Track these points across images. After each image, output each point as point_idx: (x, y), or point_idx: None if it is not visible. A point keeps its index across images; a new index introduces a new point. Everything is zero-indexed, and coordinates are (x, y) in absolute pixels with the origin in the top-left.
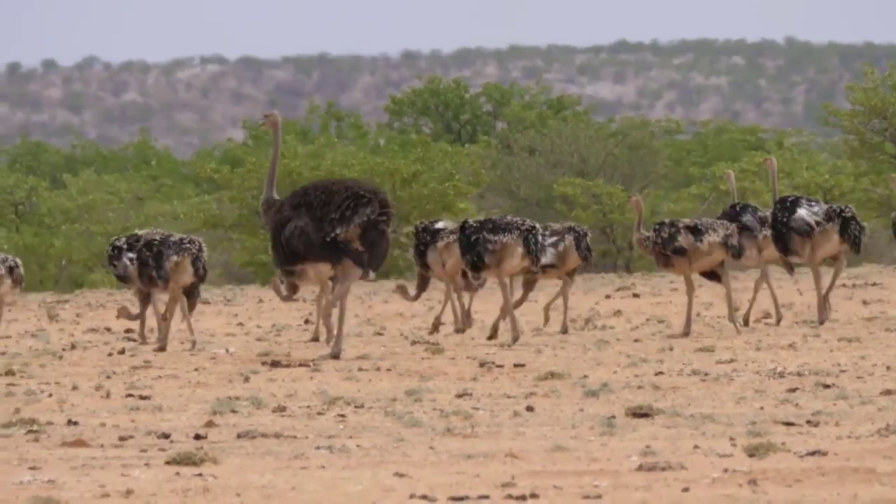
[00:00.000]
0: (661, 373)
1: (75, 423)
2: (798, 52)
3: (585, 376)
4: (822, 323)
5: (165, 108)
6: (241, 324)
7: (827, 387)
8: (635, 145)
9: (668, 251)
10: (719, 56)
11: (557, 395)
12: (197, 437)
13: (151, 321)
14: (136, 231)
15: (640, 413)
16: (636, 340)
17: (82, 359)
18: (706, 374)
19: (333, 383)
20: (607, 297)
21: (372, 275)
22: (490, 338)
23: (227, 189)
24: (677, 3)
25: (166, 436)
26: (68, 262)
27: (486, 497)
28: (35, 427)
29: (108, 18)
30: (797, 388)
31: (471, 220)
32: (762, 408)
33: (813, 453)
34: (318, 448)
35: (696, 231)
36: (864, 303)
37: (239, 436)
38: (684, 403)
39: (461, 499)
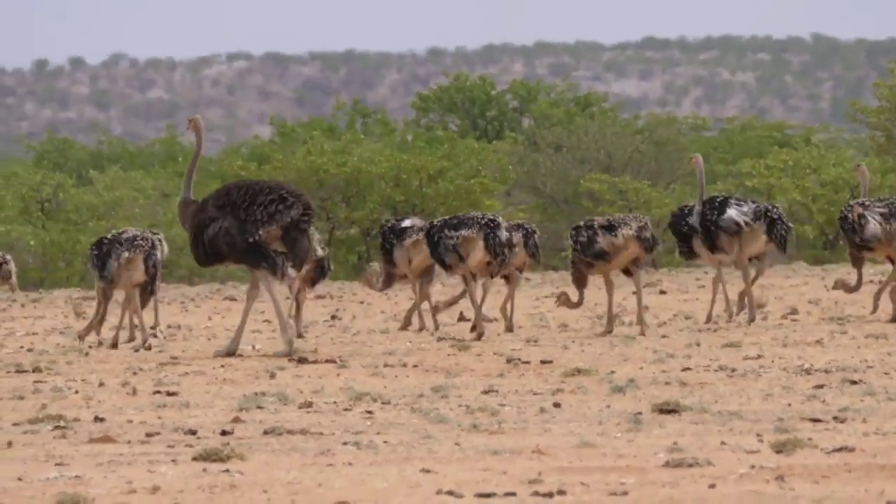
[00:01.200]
0: (687, 369)
1: (102, 420)
2: (824, 49)
3: (612, 372)
4: (751, 321)
5: (192, 105)
6: (267, 320)
7: (854, 383)
8: (661, 142)
9: (588, 256)
10: (745, 52)
11: (584, 392)
12: (223, 433)
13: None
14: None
15: (667, 409)
16: (663, 336)
17: (109, 355)
18: (733, 371)
19: (360, 379)
20: (634, 293)
21: (292, 274)
22: (474, 331)
23: None
24: (704, 0)
25: (193, 432)
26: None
27: (513, 494)
28: (62, 423)
29: (135, 16)
30: (824, 385)
31: (436, 221)
32: (789, 404)
33: (840, 449)
34: (344, 444)
35: (610, 227)
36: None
37: (265, 432)
38: (711, 400)
39: (488, 495)
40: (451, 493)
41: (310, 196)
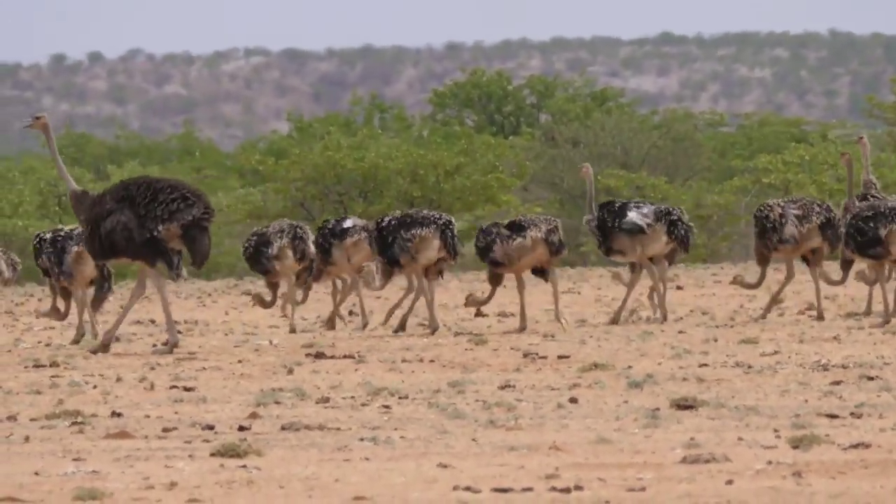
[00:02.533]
0: (705, 365)
1: (119, 415)
2: (841, 44)
3: (629, 368)
4: (664, 320)
5: (209, 100)
6: (285, 315)
7: (871, 379)
8: (679, 137)
9: (485, 260)
10: (763, 48)
11: (601, 387)
12: (241, 428)
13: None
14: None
15: (685, 405)
16: (680, 332)
17: (126, 350)
18: (750, 367)
19: (377, 375)
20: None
21: (185, 273)
22: (396, 330)
23: (272, 181)
24: None
25: (210, 427)
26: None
27: (530, 489)
28: (79, 419)
29: (152, 11)
30: (841, 381)
31: (387, 217)
32: (806, 400)
33: (856, 445)
34: (361, 440)
35: (518, 228)
36: None
37: (283, 427)
38: (728, 395)
39: (505, 490)
40: (468, 488)
41: (208, 196)
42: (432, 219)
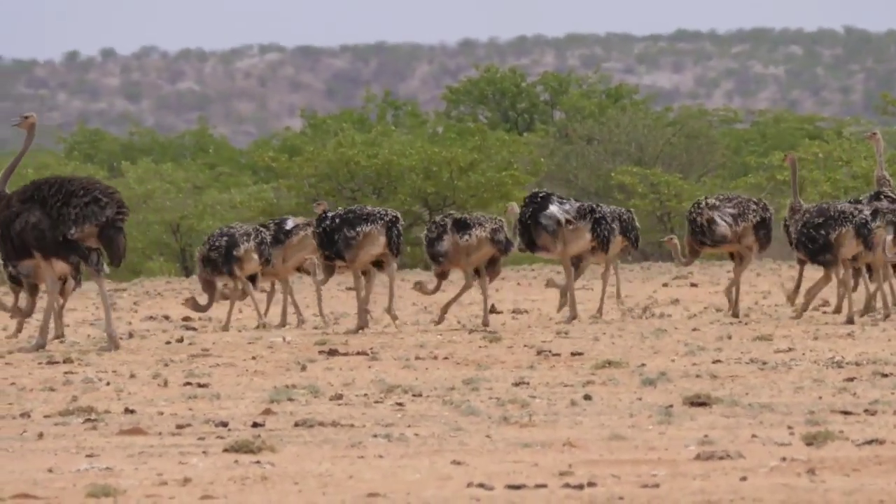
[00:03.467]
0: (718, 361)
1: (133, 412)
2: (856, 41)
3: (643, 365)
4: (572, 319)
5: (223, 97)
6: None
7: (885, 376)
8: (693, 134)
9: (429, 252)
10: (777, 45)
11: (615, 384)
12: (255, 425)
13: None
14: None
15: (698, 402)
16: (694, 329)
17: (140, 347)
18: (764, 363)
19: (391, 372)
20: (665, 285)
21: (106, 269)
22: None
23: (285, 178)
24: None
25: (224, 424)
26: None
27: (544, 486)
28: (93, 415)
29: (166, 7)
30: (855, 378)
31: (329, 213)
32: (820, 397)
33: (871, 442)
34: (375, 436)
35: (464, 226)
36: None
37: (296, 424)
38: (742, 392)
39: (518, 487)
40: (481, 485)
41: (121, 195)
42: (378, 215)
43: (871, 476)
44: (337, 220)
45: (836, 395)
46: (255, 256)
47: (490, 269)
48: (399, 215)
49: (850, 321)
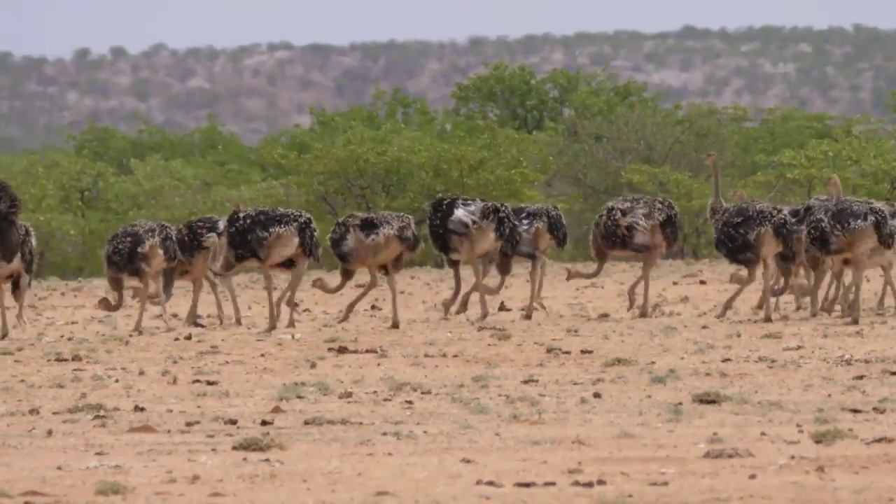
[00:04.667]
0: (728, 359)
1: (142, 409)
2: (866, 39)
3: (652, 363)
4: (483, 317)
5: (232, 95)
6: (307, 310)
7: (894, 374)
8: (702, 132)
9: (335, 252)
10: (787, 43)
11: (624, 382)
12: (264, 422)
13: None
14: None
15: (707, 400)
16: (703, 327)
17: (149, 344)
18: (773, 361)
19: (400, 369)
20: (674, 283)
21: (3, 264)
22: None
23: (294, 175)
24: None
25: (233, 422)
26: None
27: (553, 483)
28: (102, 412)
29: (176, 5)
30: (864, 376)
31: (241, 213)
32: (829, 395)
33: (880, 440)
34: (384, 434)
35: (371, 225)
36: None
37: (305, 422)
38: (751, 390)
39: (528, 485)
40: (491, 482)
41: (15, 189)
42: (292, 217)
43: (881, 474)
44: (248, 221)
45: (845, 394)
46: (161, 252)
47: (395, 265)
48: (311, 217)
49: (814, 315)
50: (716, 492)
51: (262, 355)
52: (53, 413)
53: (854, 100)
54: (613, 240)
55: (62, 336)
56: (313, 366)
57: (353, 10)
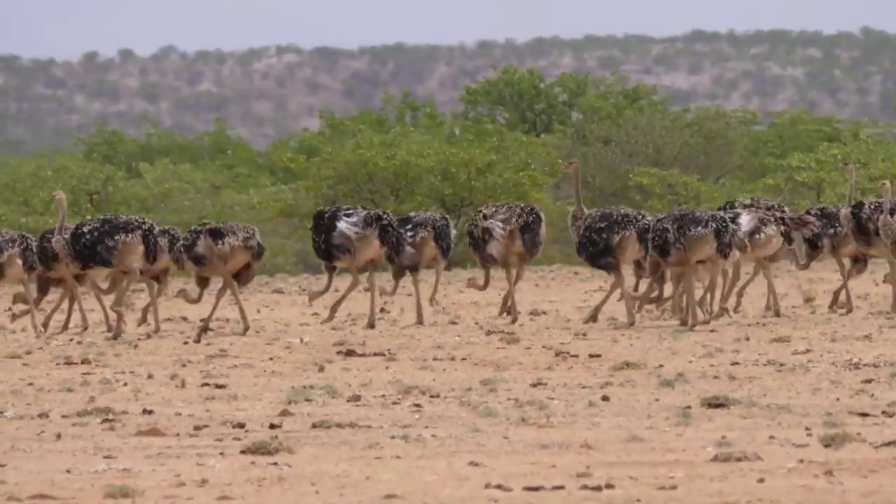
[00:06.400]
0: (736, 363)
1: (150, 412)
2: (874, 43)
3: (661, 366)
4: (370, 327)
5: (241, 98)
6: (315, 313)
7: None
8: (711, 135)
9: (188, 257)
10: (795, 47)
11: (633, 385)
12: (272, 426)
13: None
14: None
15: (716, 403)
16: (712, 331)
17: (157, 348)
18: (782, 365)
19: (408, 373)
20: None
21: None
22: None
23: (303, 178)
24: None
25: (241, 425)
26: None
27: (562, 487)
28: (110, 416)
29: (184, 8)
30: (872, 379)
31: (88, 222)
32: (838, 398)
33: (888, 444)
34: (392, 437)
35: (218, 234)
36: None
37: (314, 425)
38: (760, 394)
39: (536, 489)
40: (499, 486)
41: None
42: (137, 224)
43: (889, 477)
44: (96, 233)
45: (853, 397)
46: (20, 262)
47: (245, 273)
48: (153, 224)
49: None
50: (724, 496)
51: (271, 359)
52: (62, 416)
53: (862, 103)
54: (478, 246)
55: (71, 339)
56: (321, 369)
57: (362, 14)
